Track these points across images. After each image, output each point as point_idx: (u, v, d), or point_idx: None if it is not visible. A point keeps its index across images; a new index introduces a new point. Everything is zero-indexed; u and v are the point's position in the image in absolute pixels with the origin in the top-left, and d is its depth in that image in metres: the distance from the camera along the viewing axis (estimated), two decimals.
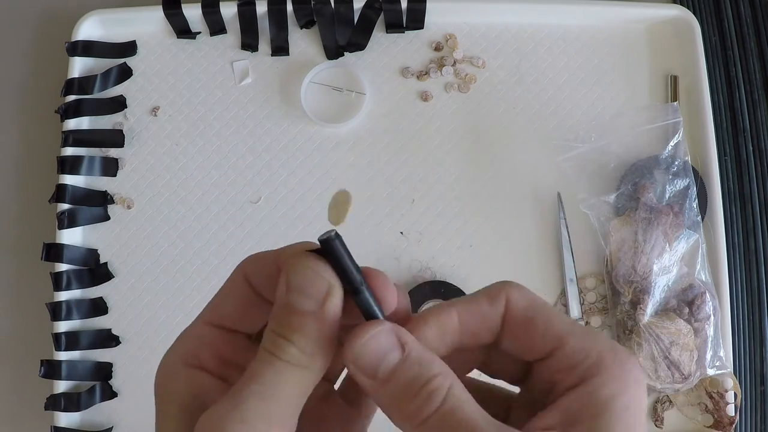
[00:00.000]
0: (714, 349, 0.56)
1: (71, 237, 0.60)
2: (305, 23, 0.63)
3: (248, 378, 0.22)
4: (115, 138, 0.62)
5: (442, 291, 0.59)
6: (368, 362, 0.22)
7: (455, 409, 0.21)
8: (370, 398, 0.23)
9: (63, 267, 0.59)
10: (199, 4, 0.62)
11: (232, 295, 0.25)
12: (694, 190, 0.58)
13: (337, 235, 0.23)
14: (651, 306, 0.56)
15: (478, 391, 0.25)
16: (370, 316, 0.23)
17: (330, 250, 0.23)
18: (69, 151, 0.61)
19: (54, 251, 0.59)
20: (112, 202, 0.61)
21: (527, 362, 0.24)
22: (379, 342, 0.22)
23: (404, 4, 0.62)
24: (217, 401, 0.22)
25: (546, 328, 0.23)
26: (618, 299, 0.58)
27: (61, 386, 0.58)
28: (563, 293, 0.60)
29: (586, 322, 0.59)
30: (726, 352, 0.57)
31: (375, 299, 0.23)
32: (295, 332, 0.22)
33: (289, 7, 0.62)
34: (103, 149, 0.62)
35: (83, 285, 0.60)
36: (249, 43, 0.63)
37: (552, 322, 0.23)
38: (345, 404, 0.27)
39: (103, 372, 0.59)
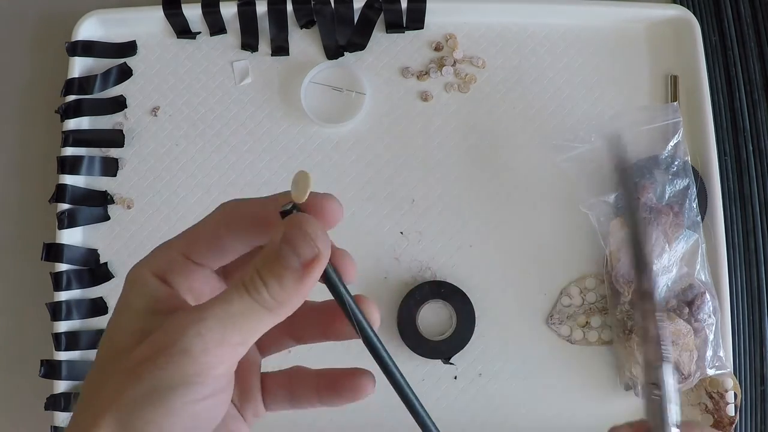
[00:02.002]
0: (714, 349, 0.56)
1: (71, 237, 0.60)
2: (305, 23, 0.63)
3: (218, 300, 0.25)
4: (115, 138, 0.62)
5: (442, 291, 0.59)
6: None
7: None
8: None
9: (63, 267, 0.59)
10: (199, 4, 0.62)
11: (208, 234, 0.28)
12: (693, 190, 0.58)
13: (295, 207, 0.25)
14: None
15: None
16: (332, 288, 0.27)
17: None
18: (69, 151, 0.61)
19: (54, 251, 0.59)
20: (112, 202, 0.61)
21: None
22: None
23: (404, 4, 0.62)
24: (183, 308, 0.26)
25: None
26: (618, 299, 0.58)
27: (61, 386, 0.58)
28: (562, 293, 0.60)
29: (586, 322, 0.59)
30: (726, 352, 0.57)
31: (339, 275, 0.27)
32: (273, 279, 0.24)
33: (289, 7, 0.62)
34: (103, 149, 0.62)
35: (83, 285, 0.60)
36: (249, 43, 0.64)
37: None
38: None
39: None
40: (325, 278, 0.26)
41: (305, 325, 0.30)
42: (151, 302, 0.26)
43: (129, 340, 0.26)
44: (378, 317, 0.28)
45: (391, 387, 0.29)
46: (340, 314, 0.28)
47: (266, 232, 0.27)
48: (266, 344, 0.31)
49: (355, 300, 0.27)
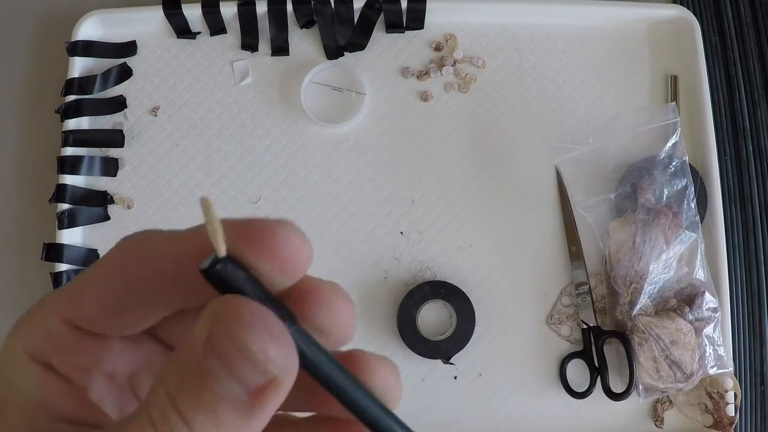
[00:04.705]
0: (714, 349, 0.56)
1: (71, 237, 0.60)
2: (305, 23, 0.63)
3: None
4: (115, 138, 0.62)
5: (442, 291, 0.59)
6: None
7: None
8: None
9: (63, 267, 0.59)
10: (199, 4, 0.62)
11: (99, 288, 0.18)
12: (692, 190, 0.58)
13: (228, 259, 0.16)
14: (643, 298, 0.56)
15: None
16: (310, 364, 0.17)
17: (219, 284, 0.15)
18: (69, 151, 0.61)
19: (54, 251, 0.59)
20: (112, 202, 0.61)
21: None
22: None
23: (404, 4, 0.62)
24: (89, 423, 0.17)
25: None
26: (617, 300, 0.58)
27: None
28: (562, 293, 0.60)
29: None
30: (726, 352, 0.57)
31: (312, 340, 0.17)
32: (200, 415, 0.15)
33: (289, 7, 0.62)
34: (103, 149, 0.62)
35: None
36: (249, 43, 0.63)
37: None
38: None
39: None
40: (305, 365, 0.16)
41: None
42: (31, 406, 0.17)
43: None
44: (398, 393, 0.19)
45: None
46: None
47: (190, 291, 0.17)
48: None
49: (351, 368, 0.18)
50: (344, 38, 0.63)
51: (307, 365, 0.16)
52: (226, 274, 0.15)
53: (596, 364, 0.58)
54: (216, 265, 0.15)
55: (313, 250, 0.17)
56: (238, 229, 0.17)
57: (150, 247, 0.18)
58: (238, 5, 0.62)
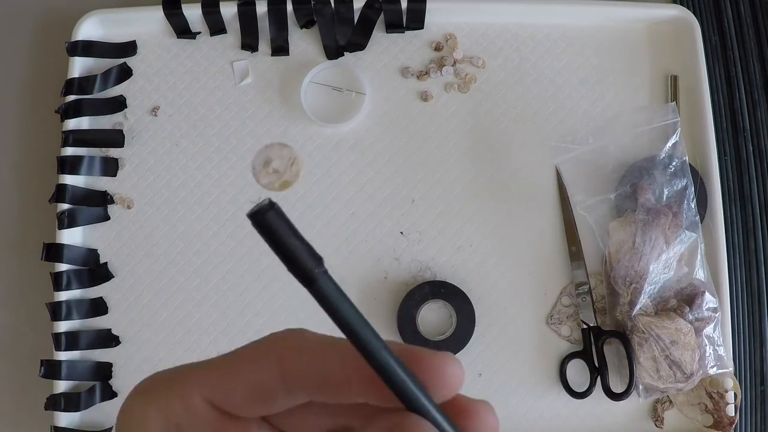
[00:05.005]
0: (714, 349, 0.56)
1: (71, 237, 0.60)
2: (305, 23, 0.63)
3: None
4: (115, 138, 0.62)
5: (442, 291, 0.59)
6: None
7: None
8: None
9: (63, 267, 0.59)
10: (199, 4, 0.62)
11: (252, 377, 0.19)
12: (692, 190, 0.58)
13: (273, 205, 0.17)
14: (643, 298, 0.56)
15: None
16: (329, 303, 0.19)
17: (264, 230, 0.17)
18: (69, 151, 0.61)
19: (54, 251, 0.59)
20: (112, 202, 0.61)
21: None
22: None
23: (404, 4, 0.62)
24: None
25: None
26: (617, 300, 0.58)
27: (61, 386, 0.58)
28: (562, 293, 0.60)
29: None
30: (726, 352, 0.57)
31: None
32: None
33: (289, 7, 0.62)
34: (103, 149, 0.62)
35: (83, 285, 0.60)
36: (249, 43, 0.63)
37: None
38: None
39: (103, 372, 0.59)
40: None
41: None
42: None
43: None
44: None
45: None
46: None
47: (341, 393, 0.20)
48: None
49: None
50: (344, 38, 0.63)
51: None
52: (269, 221, 0.16)
53: (596, 364, 0.58)
54: (267, 210, 0.16)
55: (464, 375, 0.20)
56: (411, 355, 0.20)
57: (312, 348, 0.20)
58: (238, 5, 0.62)
